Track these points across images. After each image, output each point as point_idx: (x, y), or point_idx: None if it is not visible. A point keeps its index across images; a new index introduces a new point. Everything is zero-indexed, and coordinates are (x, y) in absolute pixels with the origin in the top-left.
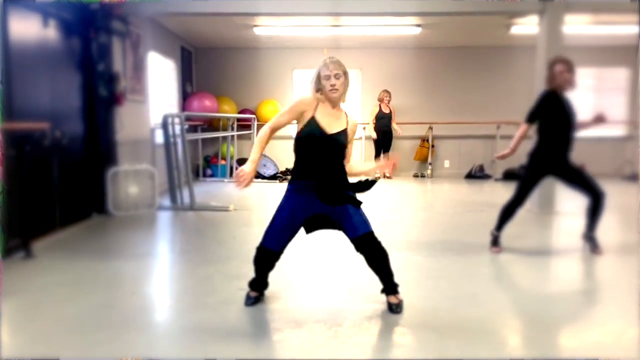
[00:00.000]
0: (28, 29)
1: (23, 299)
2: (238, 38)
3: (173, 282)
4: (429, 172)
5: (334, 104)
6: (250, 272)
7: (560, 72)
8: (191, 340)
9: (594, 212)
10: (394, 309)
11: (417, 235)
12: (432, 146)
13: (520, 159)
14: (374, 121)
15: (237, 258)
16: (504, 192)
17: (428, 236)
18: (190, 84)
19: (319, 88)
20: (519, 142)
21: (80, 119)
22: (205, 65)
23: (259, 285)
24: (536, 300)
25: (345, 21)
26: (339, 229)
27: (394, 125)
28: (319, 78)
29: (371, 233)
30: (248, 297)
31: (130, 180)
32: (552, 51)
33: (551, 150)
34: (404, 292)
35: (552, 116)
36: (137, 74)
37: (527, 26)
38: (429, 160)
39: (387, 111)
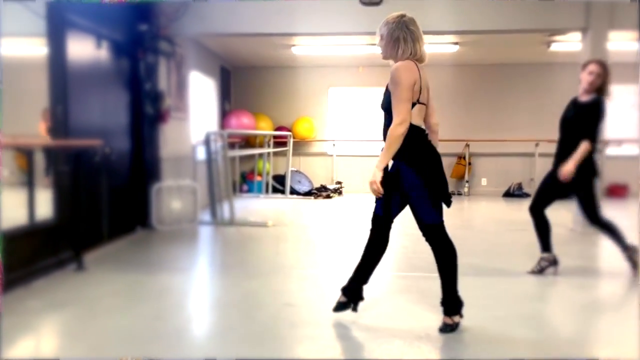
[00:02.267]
0: (83, 50)
1: (78, 309)
2: (275, 57)
3: (219, 296)
4: (465, 189)
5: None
6: (293, 289)
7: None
8: (243, 354)
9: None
10: (445, 329)
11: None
12: (469, 164)
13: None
14: None
15: (280, 273)
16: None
17: (469, 256)
18: (228, 102)
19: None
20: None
21: (127, 135)
22: (243, 83)
23: (358, 286)
24: (583, 322)
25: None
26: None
27: None
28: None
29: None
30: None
31: (173, 196)
32: None
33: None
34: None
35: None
36: (180, 93)
37: (568, 43)
38: (466, 177)
39: None
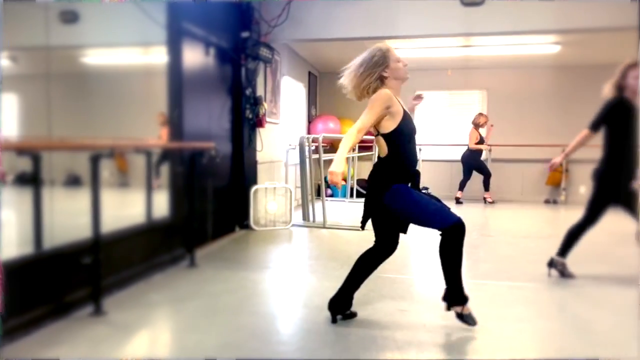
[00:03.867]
0: (195, 57)
1: (199, 304)
2: None
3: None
4: (562, 197)
5: (398, 88)
6: (383, 289)
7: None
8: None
9: None
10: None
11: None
12: (566, 170)
13: None
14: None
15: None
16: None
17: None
18: (314, 106)
19: (383, 75)
20: (574, 149)
21: (228, 139)
22: (329, 88)
23: (459, 292)
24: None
25: (475, 41)
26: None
27: (483, 146)
28: (383, 64)
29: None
30: (469, 317)
31: (269, 198)
32: None
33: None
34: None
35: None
36: (274, 98)
37: None
38: (563, 185)
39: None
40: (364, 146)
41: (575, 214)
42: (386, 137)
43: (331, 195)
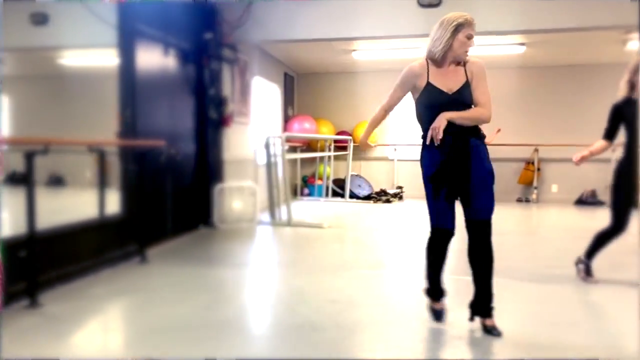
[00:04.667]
0: (151, 58)
1: (137, 298)
2: (337, 62)
3: (268, 291)
4: (534, 196)
5: (450, 63)
6: (341, 285)
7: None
8: (282, 343)
9: None
10: (493, 331)
11: (518, 261)
12: (538, 169)
13: None
14: None
15: (328, 272)
16: None
17: (529, 262)
18: (291, 107)
19: (450, 45)
20: (594, 154)
21: (192, 138)
22: (306, 89)
23: (437, 288)
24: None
25: None
26: (463, 202)
27: None
28: (453, 35)
29: (489, 222)
30: (434, 312)
31: (234, 196)
32: None
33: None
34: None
35: (629, 126)
36: (243, 98)
37: None
38: (535, 184)
39: None
40: (339, 146)
41: (547, 212)
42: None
43: (309, 195)
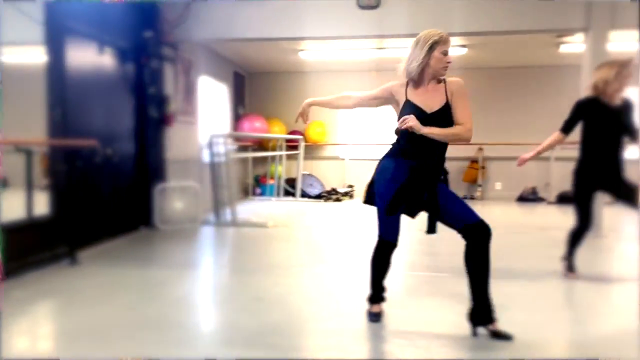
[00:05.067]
0: (84, 56)
1: (60, 299)
2: (286, 62)
3: (195, 289)
4: (478, 194)
5: (432, 80)
6: (270, 283)
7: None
8: (197, 341)
9: None
10: (503, 335)
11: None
12: (483, 167)
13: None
14: None
15: (262, 271)
16: (556, 215)
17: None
18: (242, 106)
19: (426, 62)
20: (546, 149)
21: (132, 138)
22: (257, 88)
23: (378, 294)
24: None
25: (389, 43)
26: (440, 216)
27: None
28: (429, 52)
29: (484, 223)
30: (372, 314)
31: (177, 197)
32: None
33: (593, 163)
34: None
35: (591, 126)
36: (188, 97)
37: (576, 44)
38: (479, 182)
39: None
40: (291, 145)
41: (490, 209)
42: None
43: (261, 194)
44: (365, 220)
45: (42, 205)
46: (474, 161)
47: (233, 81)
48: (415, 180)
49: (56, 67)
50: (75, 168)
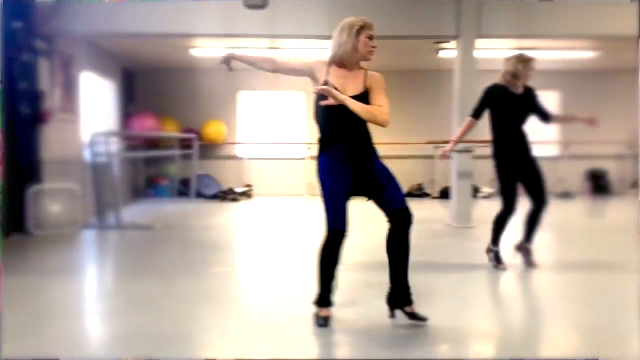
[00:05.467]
0: None
1: None
2: (177, 59)
3: (56, 294)
4: None
5: (355, 65)
6: (139, 285)
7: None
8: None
9: (534, 220)
10: (418, 317)
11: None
12: None
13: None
14: None
15: (140, 274)
16: (439, 208)
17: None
18: (133, 104)
19: (354, 46)
20: (462, 136)
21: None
22: (148, 85)
23: (327, 296)
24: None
25: (282, 44)
26: (378, 196)
27: None
28: (356, 37)
29: (408, 209)
30: (321, 319)
31: (54, 200)
32: (465, 74)
33: (504, 146)
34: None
35: (496, 110)
36: (68, 94)
37: (453, 50)
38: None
39: None
40: (186, 145)
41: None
42: None
43: (153, 196)
44: (258, 220)
45: None
46: None
47: (122, 78)
48: (349, 160)
49: None
50: None
